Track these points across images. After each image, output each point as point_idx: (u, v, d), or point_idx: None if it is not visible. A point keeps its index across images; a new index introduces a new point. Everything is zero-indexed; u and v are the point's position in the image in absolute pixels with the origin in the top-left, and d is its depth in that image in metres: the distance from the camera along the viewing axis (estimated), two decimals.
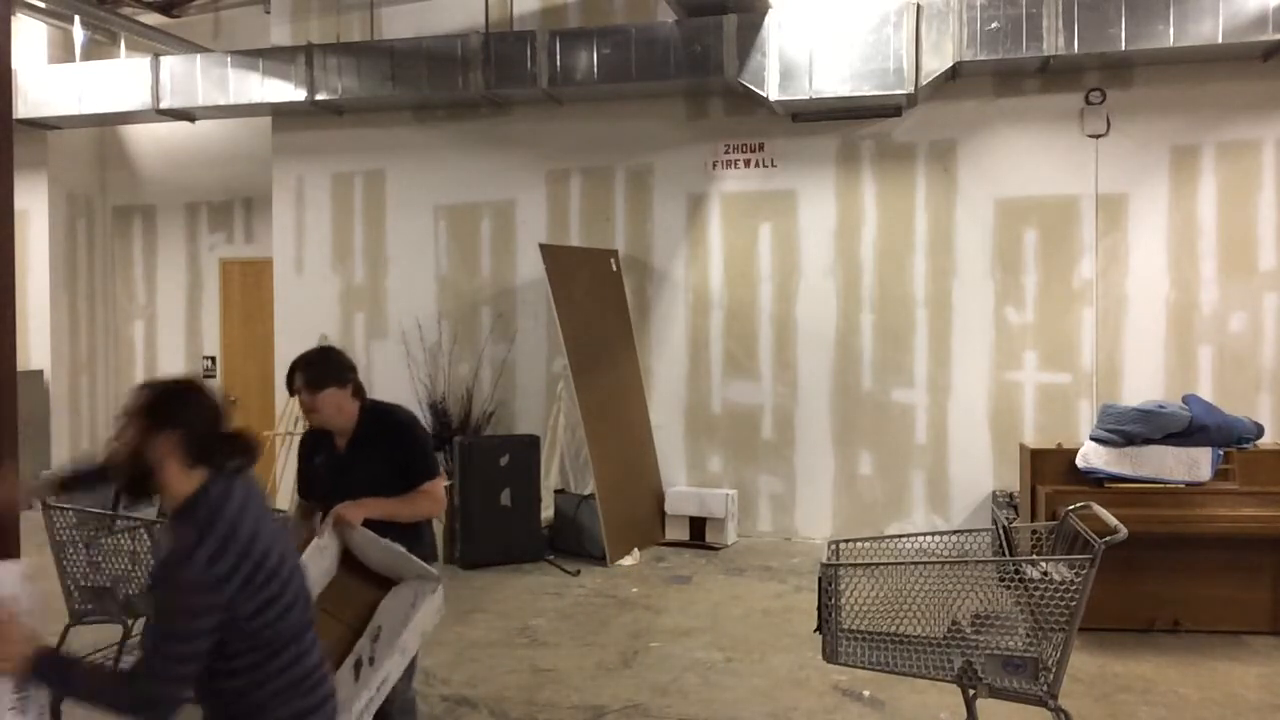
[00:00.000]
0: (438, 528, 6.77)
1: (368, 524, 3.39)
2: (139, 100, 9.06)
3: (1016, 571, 3.61)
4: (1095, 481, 5.75)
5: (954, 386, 8.00)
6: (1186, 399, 6.04)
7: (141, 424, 2.28)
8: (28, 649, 2.19)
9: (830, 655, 3.62)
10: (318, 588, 3.16)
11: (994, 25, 7.33)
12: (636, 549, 7.70)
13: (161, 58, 9.04)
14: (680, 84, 8.12)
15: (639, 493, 8.10)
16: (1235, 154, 7.53)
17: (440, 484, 3.75)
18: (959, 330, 7.99)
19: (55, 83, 9.30)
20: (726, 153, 8.41)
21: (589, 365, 7.81)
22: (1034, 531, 4.21)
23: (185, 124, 9.74)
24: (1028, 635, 3.51)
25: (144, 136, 10.52)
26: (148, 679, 2.18)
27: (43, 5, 9.07)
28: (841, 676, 5.00)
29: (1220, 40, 6.99)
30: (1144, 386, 7.54)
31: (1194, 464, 5.68)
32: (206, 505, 2.25)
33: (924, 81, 7.52)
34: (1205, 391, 7.28)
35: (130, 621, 4.66)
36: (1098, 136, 7.71)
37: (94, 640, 4.80)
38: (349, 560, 3.37)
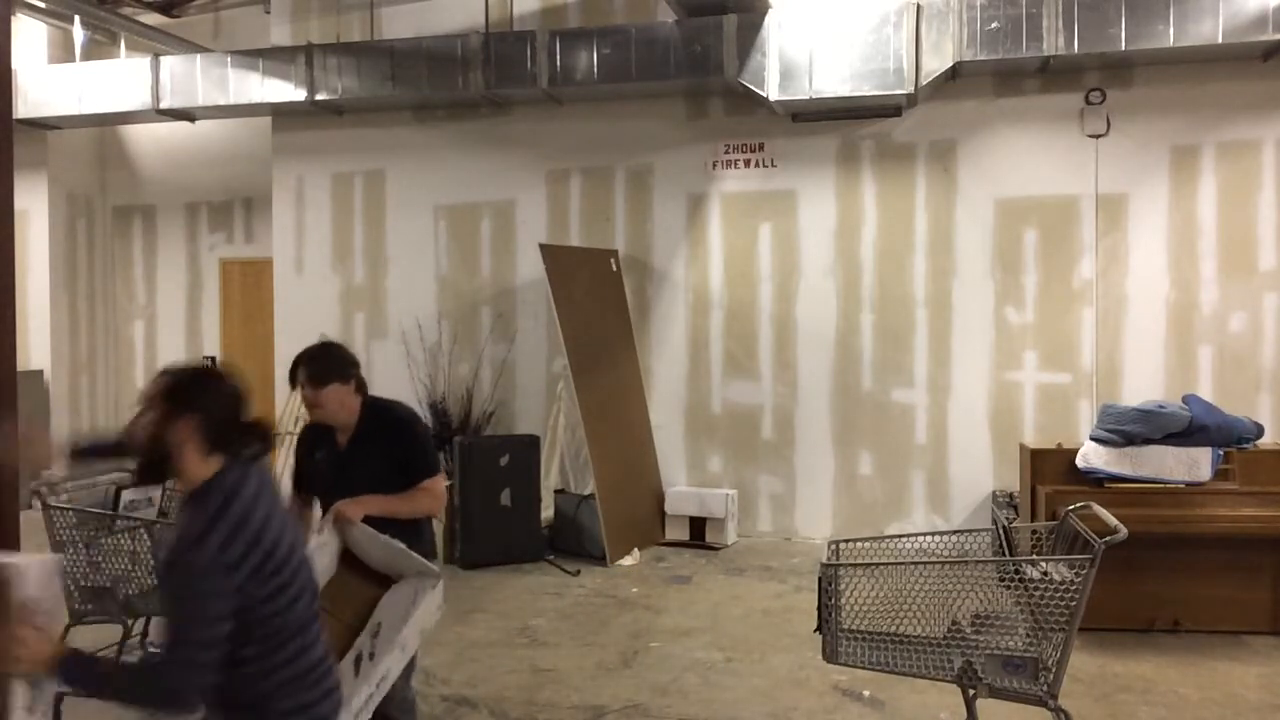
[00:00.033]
0: (437, 527, 6.76)
1: (368, 521, 3.39)
2: (139, 100, 9.06)
3: (1016, 571, 3.61)
4: (1095, 481, 5.75)
5: (954, 386, 8.00)
6: (1186, 399, 6.03)
7: (162, 408, 2.29)
8: (51, 649, 2.19)
9: (830, 655, 3.62)
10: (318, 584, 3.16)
11: (994, 25, 7.33)
12: (636, 549, 7.70)
13: (161, 58, 9.04)
14: (680, 84, 8.12)
15: (639, 493, 8.10)
16: (1235, 154, 7.53)
17: (441, 481, 3.75)
18: (959, 330, 7.99)
19: (55, 83, 9.31)
20: (726, 153, 8.41)
21: (589, 365, 7.81)
22: (1034, 531, 4.21)
23: (185, 124, 9.75)
24: (1028, 635, 3.51)
25: (144, 136, 10.53)
26: (170, 668, 2.18)
27: (43, 5, 9.07)
28: (841, 676, 5.00)
29: (1220, 40, 6.99)
30: (1144, 386, 7.54)
31: (1194, 464, 5.68)
32: (220, 491, 2.26)
33: (924, 81, 7.52)
34: (1205, 391, 7.28)
35: (130, 622, 4.67)
36: (1098, 136, 7.71)
37: (94, 640, 4.79)
38: (348, 558, 3.37)
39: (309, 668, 2.36)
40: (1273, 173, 7.48)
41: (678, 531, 8.12)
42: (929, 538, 4.33)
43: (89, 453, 3.24)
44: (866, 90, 7.58)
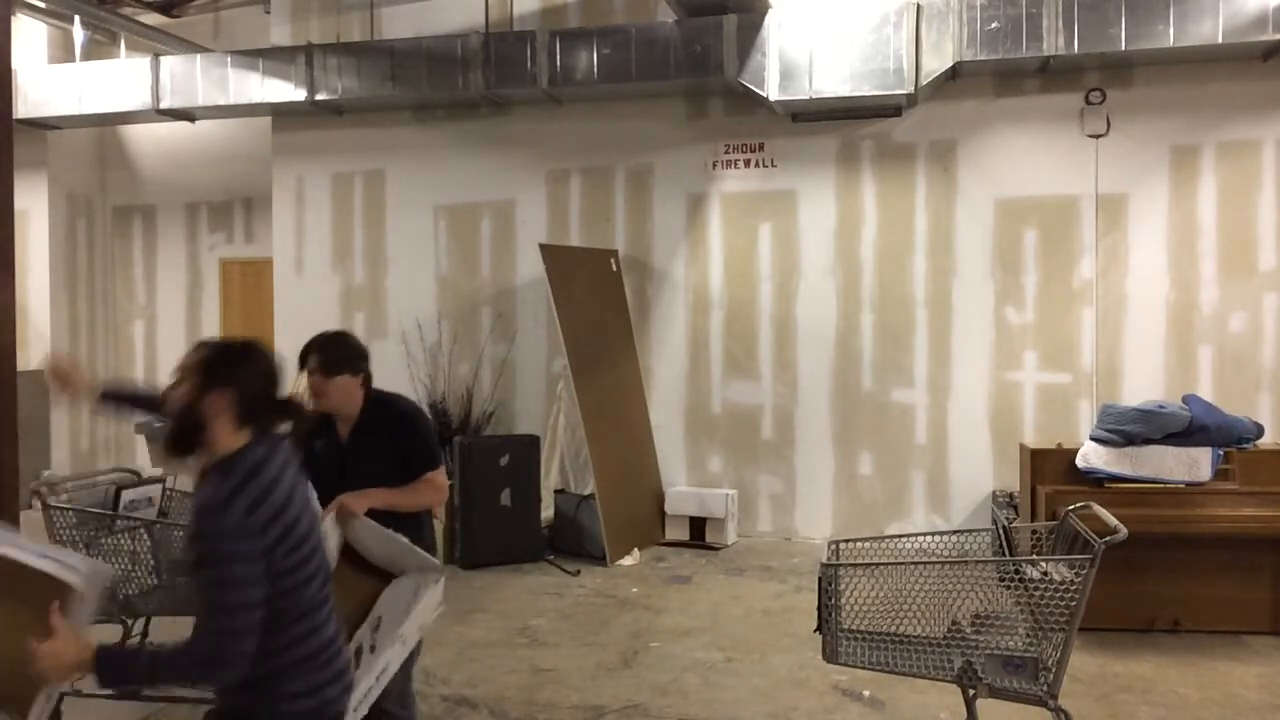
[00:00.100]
0: (437, 527, 6.76)
1: (370, 514, 3.38)
2: (139, 100, 9.06)
3: (1016, 571, 3.61)
4: (1095, 481, 5.75)
5: (954, 386, 8.00)
6: (1186, 399, 6.03)
7: (198, 380, 2.31)
8: (86, 652, 2.17)
9: (830, 655, 3.62)
10: None
11: (994, 25, 7.33)
12: (636, 549, 7.70)
13: (161, 58, 9.04)
14: (680, 84, 8.12)
15: (639, 493, 8.10)
16: (1235, 154, 7.53)
17: (443, 474, 3.74)
18: (959, 330, 7.99)
19: (55, 83, 9.31)
20: (726, 153, 8.41)
21: (589, 365, 7.81)
22: (1034, 531, 4.20)
23: (185, 124, 9.75)
24: (1028, 635, 3.51)
25: (144, 136, 10.53)
26: (209, 637, 2.17)
27: (43, 5, 9.07)
28: (841, 676, 5.00)
29: (1220, 40, 6.99)
30: (1144, 386, 7.54)
31: (1194, 464, 5.68)
32: (246, 462, 2.28)
33: (924, 81, 7.52)
34: (1205, 391, 7.28)
35: (130, 622, 4.66)
36: (1098, 136, 7.71)
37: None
38: (348, 552, 3.36)
39: (320, 647, 2.37)
40: (1273, 173, 7.48)
41: (678, 531, 8.12)
42: (929, 538, 4.33)
43: (120, 399, 3.25)
44: (866, 90, 7.58)
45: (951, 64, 7.45)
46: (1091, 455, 5.82)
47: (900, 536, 4.12)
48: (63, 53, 9.88)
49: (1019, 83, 7.84)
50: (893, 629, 3.63)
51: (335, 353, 3.62)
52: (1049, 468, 6.01)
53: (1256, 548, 5.60)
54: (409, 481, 3.62)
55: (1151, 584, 5.63)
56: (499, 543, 7.50)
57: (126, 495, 4.98)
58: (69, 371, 3.18)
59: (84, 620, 2.27)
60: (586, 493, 7.86)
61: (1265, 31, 6.92)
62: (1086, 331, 7.77)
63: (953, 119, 7.98)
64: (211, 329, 10.43)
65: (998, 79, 7.86)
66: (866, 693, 4.88)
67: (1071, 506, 3.86)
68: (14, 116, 3.25)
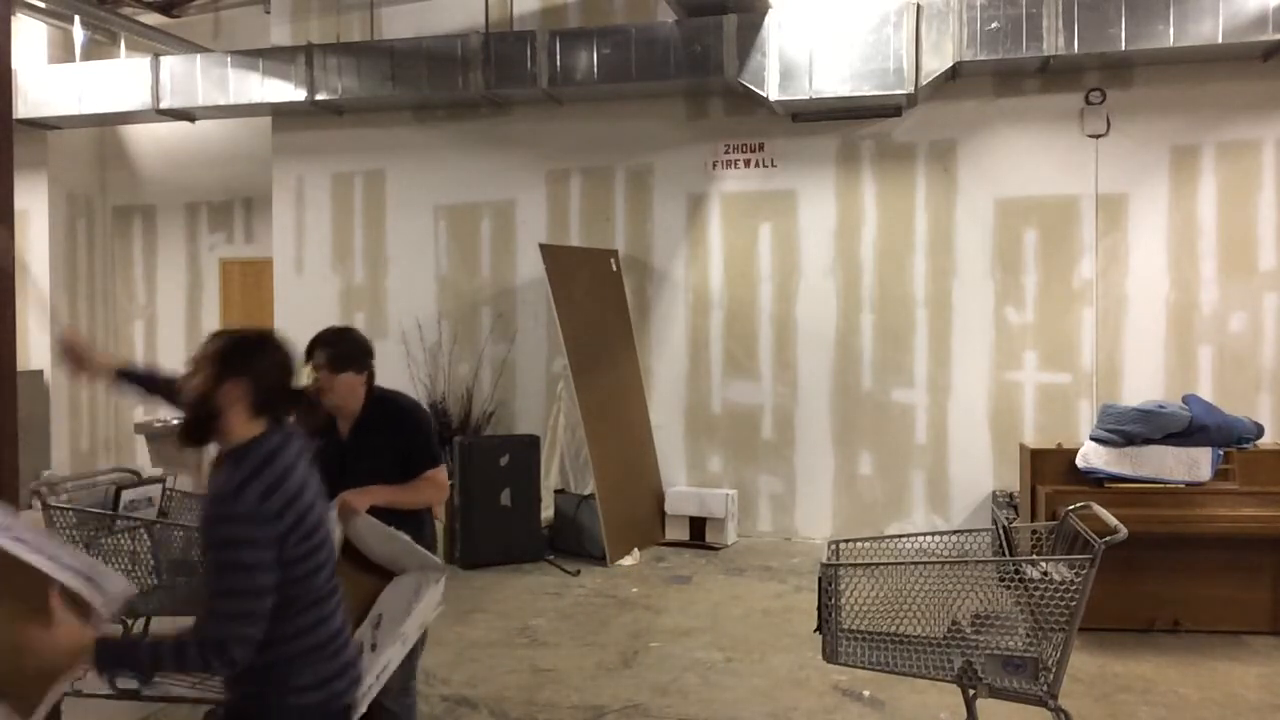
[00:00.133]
0: (438, 526, 6.76)
1: (371, 512, 3.38)
2: (139, 100, 9.06)
3: (1016, 571, 3.61)
4: (1095, 481, 5.75)
5: (954, 386, 8.00)
6: (1186, 399, 6.03)
7: (213, 369, 2.32)
8: (85, 638, 2.13)
9: (830, 655, 3.62)
10: None
11: (994, 25, 7.33)
12: (636, 549, 7.70)
13: (161, 58, 9.04)
14: (680, 84, 8.12)
15: (639, 493, 8.10)
16: (1235, 154, 7.53)
17: (443, 471, 3.74)
18: (959, 330, 7.99)
19: (55, 83, 9.31)
20: (726, 153, 8.41)
21: (589, 365, 7.81)
22: (1034, 531, 4.21)
23: (185, 124, 9.75)
24: (1028, 635, 3.51)
25: (144, 136, 10.52)
26: (213, 621, 2.16)
27: (43, 5, 9.07)
28: (841, 676, 5.00)
29: (1220, 40, 6.99)
30: (1144, 386, 7.54)
31: (1194, 464, 5.68)
32: (261, 451, 2.28)
33: (924, 81, 7.52)
34: (1205, 391, 7.28)
35: (130, 622, 4.66)
36: (1098, 136, 7.71)
37: None
38: (349, 550, 3.36)
39: (329, 638, 2.37)
40: (1273, 173, 7.48)
41: (678, 531, 8.12)
42: (929, 538, 4.33)
43: (136, 380, 3.24)
44: (866, 90, 7.58)
45: (951, 64, 7.45)
46: (1091, 455, 5.82)
47: (900, 536, 4.12)
48: (63, 53, 9.88)
49: (1019, 83, 7.84)
50: (893, 629, 3.63)
51: (342, 349, 3.62)
52: (1049, 468, 6.01)
53: (1256, 548, 5.60)
54: (409, 479, 3.61)
55: (1151, 584, 5.63)
56: (499, 543, 7.50)
57: (126, 495, 4.98)
58: (81, 349, 3.17)
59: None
60: (586, 493, 7.86)
61: (1265, 31, 6.92)
62: (1086, 331, 7.77)
63: (953, 119, 7.98)
64: (211, 329, 10.40)
65: (998, 79, 7.86)
66: (866, 693, 4.88)
67: (1071, 506, 3.86)
68: (14, 116, 3.25)
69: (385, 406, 3.71)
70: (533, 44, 8.15)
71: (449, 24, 8.72)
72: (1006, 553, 4.04)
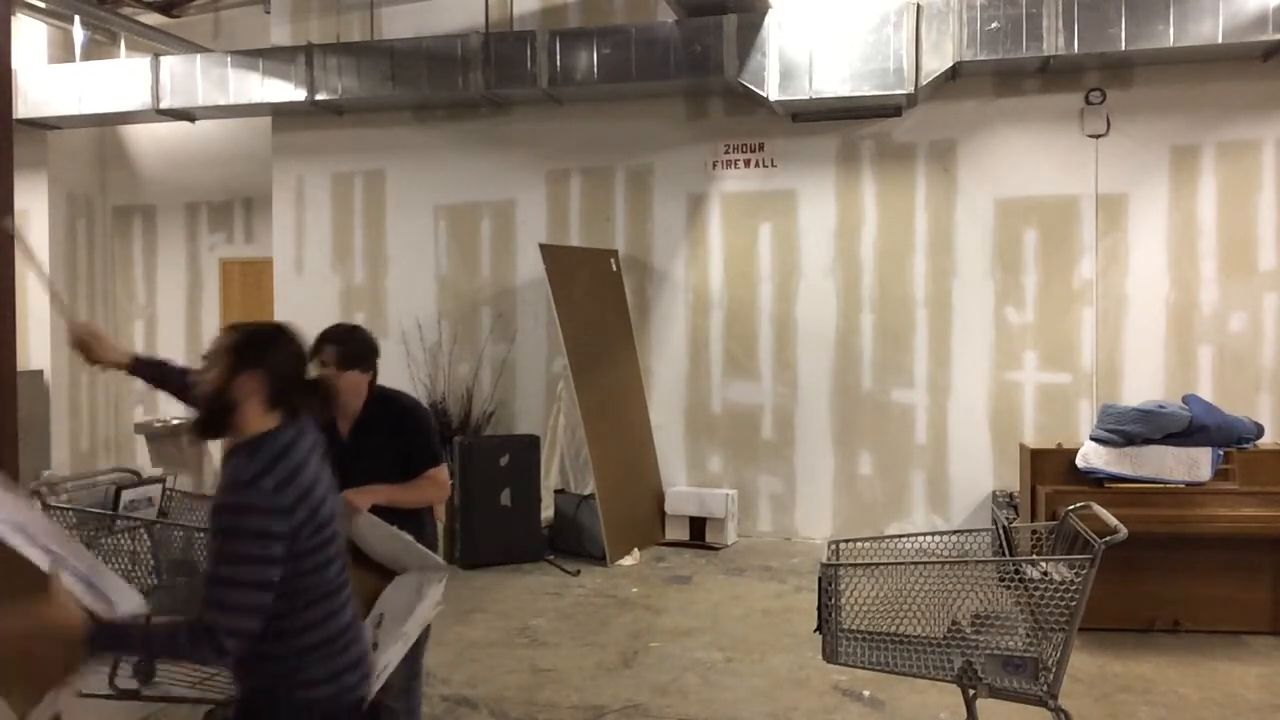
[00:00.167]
0: (438, 527, 6.76)
1: (371, 510, 3.38)
2: (139, 100, 9.06)
3: (1016, 571, 3.61)
4: (1095, 481, 5.75)
5: (954, 386, 8.00)
6: (1186, 399, 6.03)
7: (228, 363, 2.32)
8: (79, 620, 2.12)
9: (830, 655, 3.62)
10: None
11: (994, 25, 7.33)
12: (636, 549, 7.70)
13: (161, 58, 9.04)
14: (680, 84, 8.12)
15: (639, 493, 8.10)
16: (1235, 154, 7.53)
17: (444, 470, 3.74)
18: (959, 330, 7.99)
19: (55, 83, 9.31)
20: (726, 153, 8.41)
21: (589, 365, 7.81)
22: (1034, 531, 4.21)
23: (185, 124, 9.75)
24: (1028, 635, 3.51)
25: (144, 136, 10.53)
26: (209, 610, 2.15)
27: (43, 5, 9.07)
28: (841, 676, 5.00)
29: (1220, 40, 6.99)
30: (1144, 386, 7.54)
31: (1194, 464, 5.68)
32: (276, 443, 2.29)
33: (924, 81, 7.52)
34: (1205, 391, 7.28)
35: None
36: (1098, 136, 7.71)
37: None
38: (351, 549, 3.35)
39: (339, 631, 2.37)
40: (1273, 173, 7.48)
41: (678, 531, 8.12)
42: (929, 538, 4.33)
43: (151, 370, 3.23)
44: (866, 90, 7.58)
45: (951, 64, 7.45)
46: (1091, 455, 5.82)
47: (900, 536, 4.12)
48: (63, 53, 9.88)
49: (1019, 83, 7.84)
50: (893, 629, 3.63)
51: (351, 347, 3.61)
52: (1049, 468, 6.01)
53: (1256, 548, 5.60)
54: (410, 478, 3.61)
55: (1151, 584, 5.63)
56: (499, 543, 7.50)
57: (126, 495, 4.97)
58: (89, 339, 3.16)
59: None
60: (586, 493, 7.86)
61: (1265, 31, 6.92)
62: (1086, 331, 7.77)
63: (953, 119, 7.98)
64: (211, 329, 10.41)
65: (998, 79, 7.86)
66: (866, 693, 4.88)
67: (1071, 506, 3.86)
68: (14, 116, 3.25)
69: (386, 405, 3.71)
70: (533, 44, 8.15)
71: (449, 24, 8.72)
72: (1006, 553, 4.04)
